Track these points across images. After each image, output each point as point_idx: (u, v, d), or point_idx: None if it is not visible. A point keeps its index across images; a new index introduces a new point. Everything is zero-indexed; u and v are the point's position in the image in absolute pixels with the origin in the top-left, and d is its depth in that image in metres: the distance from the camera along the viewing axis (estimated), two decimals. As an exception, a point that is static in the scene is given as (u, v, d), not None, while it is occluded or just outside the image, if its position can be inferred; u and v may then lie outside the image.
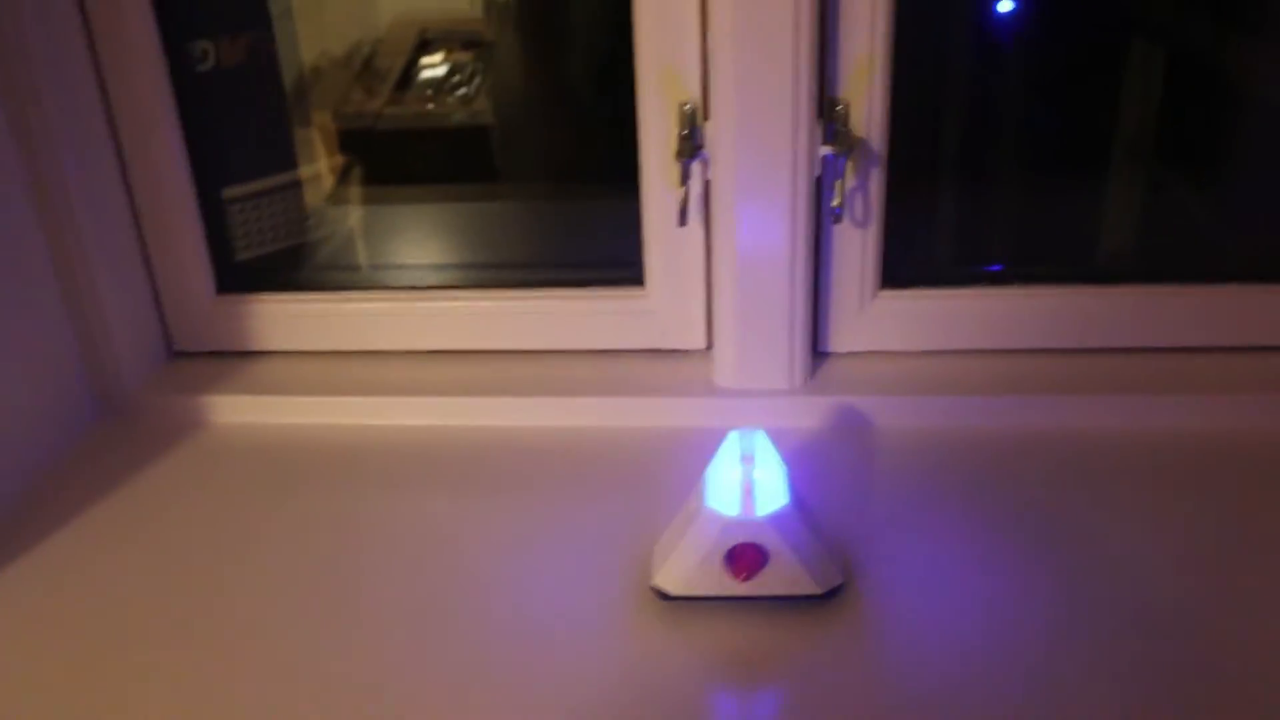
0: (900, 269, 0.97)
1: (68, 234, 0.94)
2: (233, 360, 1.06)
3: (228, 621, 0.77)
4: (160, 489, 0.93)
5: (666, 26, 0.88)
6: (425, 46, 1.22)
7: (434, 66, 1.20)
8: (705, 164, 0.91)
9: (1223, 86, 1.03)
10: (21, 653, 0.75)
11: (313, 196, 1.13)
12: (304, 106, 1.16)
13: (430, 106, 1.20)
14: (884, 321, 0.98)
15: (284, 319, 1.05)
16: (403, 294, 1.04)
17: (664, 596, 0.75)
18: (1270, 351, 0.98)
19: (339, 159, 1.18)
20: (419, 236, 1.17)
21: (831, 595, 0.75)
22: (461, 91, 1.19)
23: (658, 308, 1.00)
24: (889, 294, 0.97)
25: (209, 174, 1.02)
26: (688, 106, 0.90)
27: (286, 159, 1.11)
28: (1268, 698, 0.67)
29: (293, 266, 1.11)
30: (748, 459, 0.75)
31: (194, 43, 1.00)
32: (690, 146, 0.89)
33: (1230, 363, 0.97)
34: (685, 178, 0.89)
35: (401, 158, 1.21)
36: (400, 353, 1.05)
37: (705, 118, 0.90)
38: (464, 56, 1.21)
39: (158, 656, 0.75)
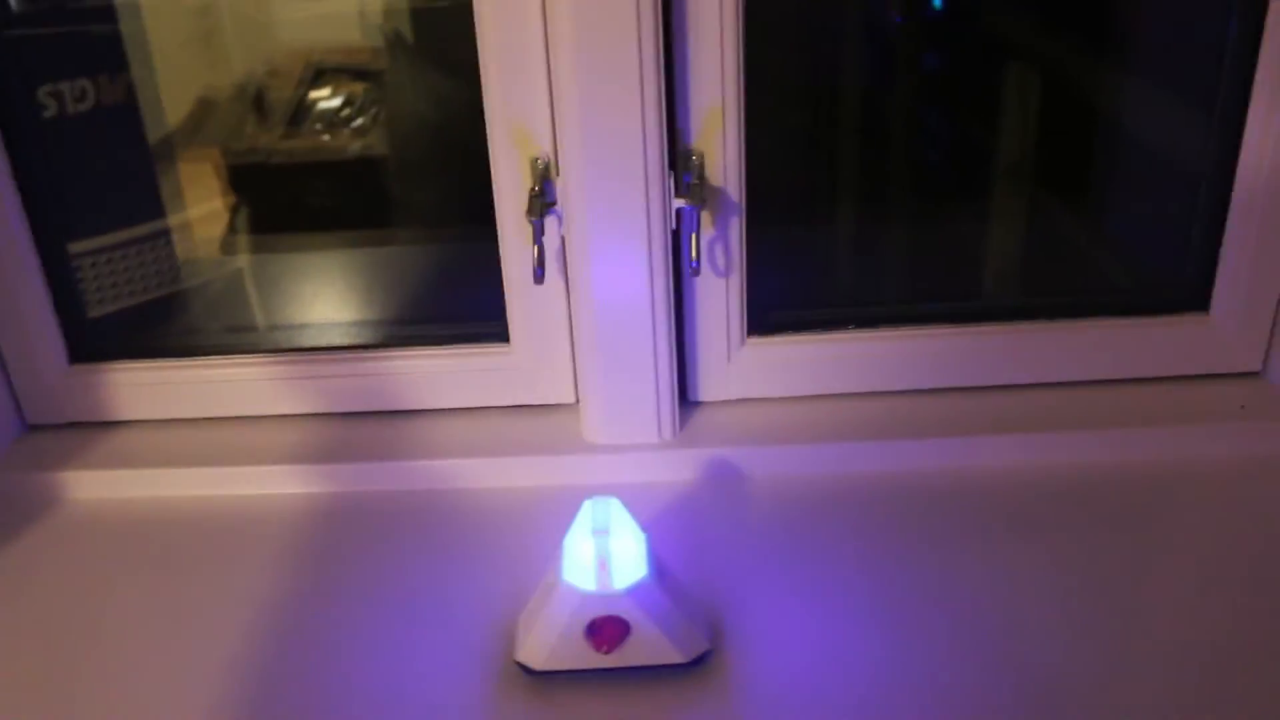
0: (768, 315, 0.96)
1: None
2: (90, 432, 1.02)
3: (87, 703, 0.75)
4: (14, 570, 0.89)
5: (514, 79, 0.86)
6: (318, 78, 1.19)
7: (327, 99, 1.17)
8: (560, 219, 0.89)
9: (1094, 115, 1.03)
10: None
11: (185, 247, 1.09)
12: (171, 149, 1.11)
13: (326, 139, 1.17)
14: (753, 369, 0.97)
15: (141, 387, 1.01)
16: (266, 357, 1.00)
17: (528, 671, 0.73)
18: (1157, 382, 0.98)
19: (230, 198, 1.14)
20: (301, 289, 1.13)
21: (699, 662, 0.74)
22: (357, 123, 1.16)
23: (523, 363, 0.98)
24: (756, 341, 0.96)
25: (56, 231, 0.98)
26: (540, 162, 0.88)
27: (151, 206, 1.07)
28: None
29: (155, 327, 1.07)
30: (602, 530, 0.73)
31: (35, 90, 0.95)
32: (541, 204, 0.87)
33: (1107, 396, 0.97)
34: (539, 235, 0.87)
35: (296, 194, 1.17)
36: (264, 417, 1.01)
37: (558, 173, 0.88)
38: (356, 88, 1.18)
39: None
